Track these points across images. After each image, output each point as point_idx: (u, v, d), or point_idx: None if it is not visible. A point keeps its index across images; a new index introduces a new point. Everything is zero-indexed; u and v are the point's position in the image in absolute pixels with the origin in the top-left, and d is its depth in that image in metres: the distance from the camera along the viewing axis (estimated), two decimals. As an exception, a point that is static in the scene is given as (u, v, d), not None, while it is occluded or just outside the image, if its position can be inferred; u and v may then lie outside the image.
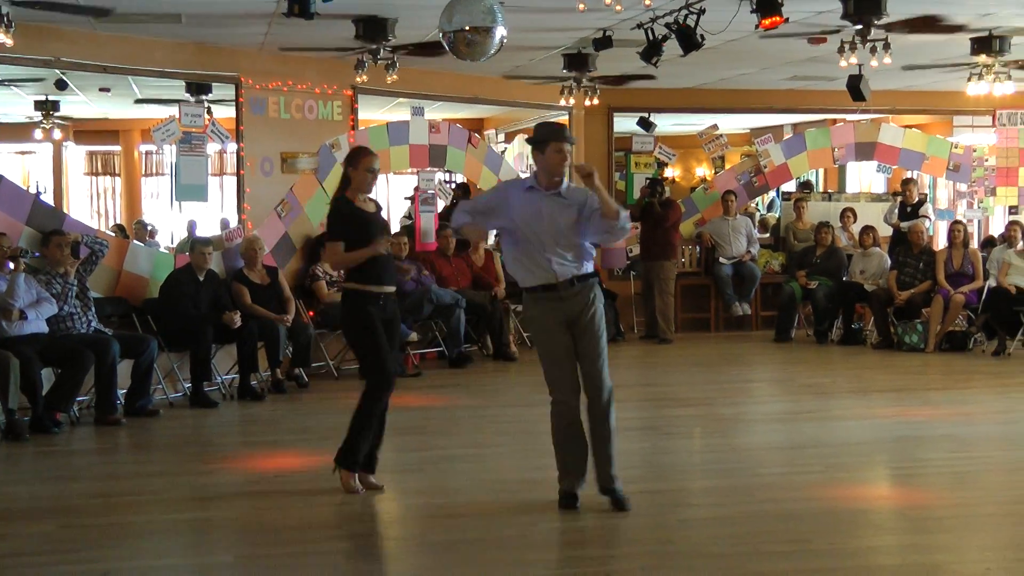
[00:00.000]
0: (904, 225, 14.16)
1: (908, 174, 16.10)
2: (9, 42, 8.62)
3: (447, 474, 7.35)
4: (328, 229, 6.81)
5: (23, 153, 19.62)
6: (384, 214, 7.91)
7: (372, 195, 6.99)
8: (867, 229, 14.13)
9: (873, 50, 10.28)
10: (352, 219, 6.66)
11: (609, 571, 5.39)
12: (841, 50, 10.45)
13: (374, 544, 6.08)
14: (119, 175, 20.41)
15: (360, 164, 6.71)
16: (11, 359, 8.50)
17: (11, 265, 9.00)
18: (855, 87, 11.92)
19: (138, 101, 15.19)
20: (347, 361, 11.85)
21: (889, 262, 13.72)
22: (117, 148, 20.04)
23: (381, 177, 14.63)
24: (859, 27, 9.61)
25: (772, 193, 18.78)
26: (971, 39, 11.12)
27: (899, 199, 14.93)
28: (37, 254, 9.40)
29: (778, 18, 8.94)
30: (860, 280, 13.74)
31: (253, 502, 6.78)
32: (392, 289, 6.80)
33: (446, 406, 9.92)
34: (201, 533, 6.26)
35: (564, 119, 15.32)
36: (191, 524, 6.42)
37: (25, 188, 11.31)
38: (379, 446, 6.83)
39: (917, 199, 14.76)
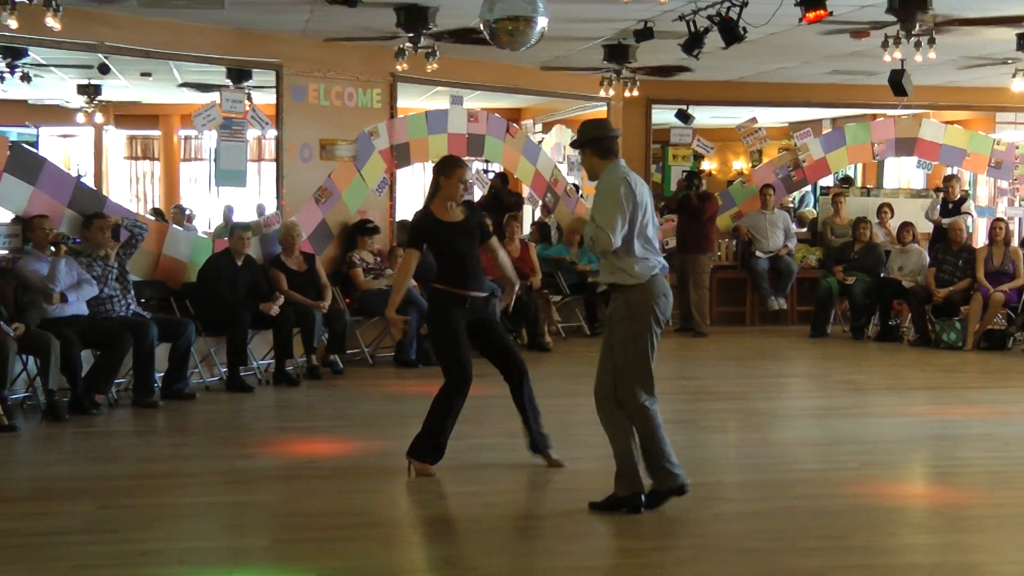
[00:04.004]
0: (945, 222, 14.03)
1: (949, 170, 15.95)
2: (57, 26, 8.66)
3: (480, 463, 7.34)
4: (408, 237, 7.10)
5: (64, 137, 19.77)
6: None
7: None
8: (906, 225, 14.02)
9: (918, 45, 10.19)
10: (435, 234, 6.90)
11: (644, 563, 5.38)
12: (885, 45, 10.36)
13: (407, 531, 6.10)
14: (158, 159, 20.54)
15: (454, 175, 6.96)
16: (52, 340, 8.57)
17: (52, 249, 9.06)
18: (897, 82, 11.79)
19: (180, 86, 15.26)
20: (382, 349, 11.89)
21: (927, 259, 13.61)
22: (157, 133, 20.16)
23: (417, 165, 14.73)
24: (903, 21, 9.53)
25: (806, 188, 18.70)
26: (1017, 34, 10.98)
27: (941, 195, 14.78)
28: (79, 240, 9.45)
29: (822, 11, 8.88)
30: (898, 276, 13.65)
31: (288, 487, 6.83)
32: (481, 294, 7.03)
33: (479, 395, 9.91)
34: (237, 516, 6.30)
35: (603, 110, 15.29)
36: (227, 507, 6.47)
37: (67, 171, 11.37)
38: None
39: (959, 196, 14.62)
